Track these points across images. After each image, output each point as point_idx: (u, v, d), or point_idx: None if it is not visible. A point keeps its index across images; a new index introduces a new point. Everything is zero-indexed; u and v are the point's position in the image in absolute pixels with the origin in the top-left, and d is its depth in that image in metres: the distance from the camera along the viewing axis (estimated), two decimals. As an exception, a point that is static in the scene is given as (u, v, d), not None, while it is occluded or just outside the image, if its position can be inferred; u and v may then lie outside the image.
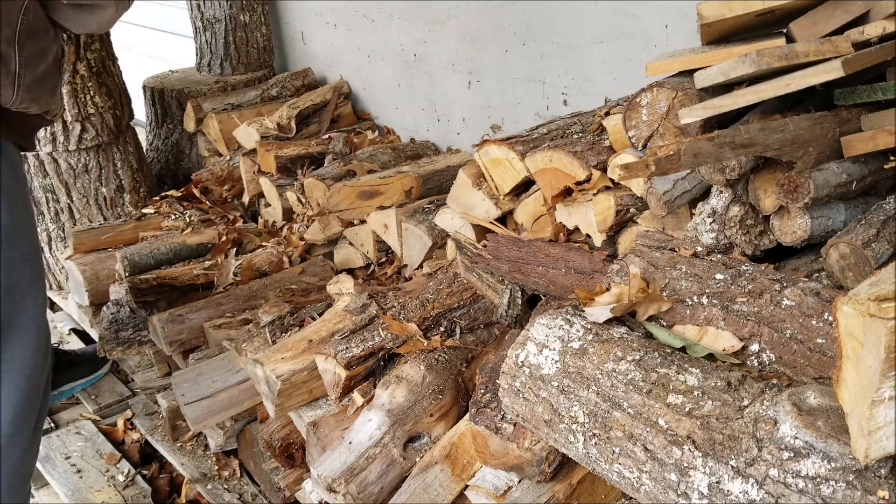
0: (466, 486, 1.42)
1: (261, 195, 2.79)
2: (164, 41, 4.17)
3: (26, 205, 1.64)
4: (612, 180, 1.62)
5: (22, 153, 1.66)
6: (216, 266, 2.39)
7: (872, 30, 1.28)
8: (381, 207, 2.28)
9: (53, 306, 3.00)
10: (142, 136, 3.24)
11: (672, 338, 1.20)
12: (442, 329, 1.74)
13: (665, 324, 1.25)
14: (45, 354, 1.70)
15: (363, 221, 2.34)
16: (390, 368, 1.66)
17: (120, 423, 2.42)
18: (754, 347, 1.15)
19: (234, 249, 2.47)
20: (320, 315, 1.87)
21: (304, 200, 2.52)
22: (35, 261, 1.67)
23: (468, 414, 1.40)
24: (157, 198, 2.87)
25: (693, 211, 1.48)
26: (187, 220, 2.67)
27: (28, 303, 1.63)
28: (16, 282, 1.58)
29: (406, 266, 2.22)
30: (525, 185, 1.84)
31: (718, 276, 1.24)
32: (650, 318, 1.26)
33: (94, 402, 2.50)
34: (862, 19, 1.31)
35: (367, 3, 3.06)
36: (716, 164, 1.30)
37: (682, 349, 1.17)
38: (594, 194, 1.63)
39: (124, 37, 4.29)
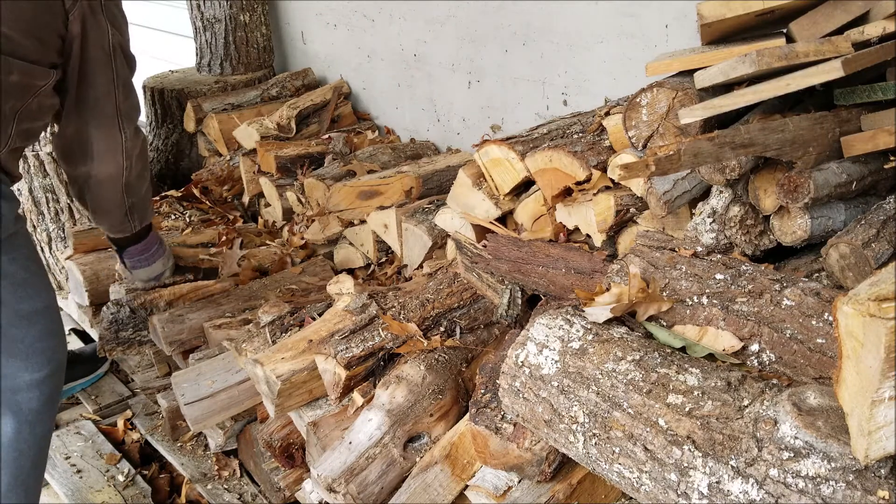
0: (466, 486, 1.42)
1: (261, 195, 2.79)
2: (164, 41, 4.17)
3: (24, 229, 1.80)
4: (612, 180, 1.62)
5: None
6: (221, 255, 2.40)
7: (872, 30, 1.28)
8: (381, 207, 2.28)
9: (53, 306, 3.01)
10: (142, 136, 3.24)
11: (672, 338, 1.20)
12: (442, 329, 1.74)
13: (665, 324, 1.25)
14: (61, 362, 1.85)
15: (363, 221, 2.34)
16: (390, 368, 1.66)
17: (120, 423, 2.42)
18: (754, 347, 1.15)
19: (240, 240, 2.48)
20: (320, 315, 1.87)
21: (303, 200, 2.52)
22: (43, 276, 1.79)
23: (468, 414, 1.40)
24: (157, 198, 2.87)
25: (693, 211, 1.48)
26: (187, 220, 2.67)
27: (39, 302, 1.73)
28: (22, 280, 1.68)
29: (406, 266, 2.22)
30: (525, 185, 1.84)
31: (718, 276, 1.24)
32: (650, 318, 1.26)
33: (94, 402, 2.50)
34: (862, 19, 1.32)
35: (367, 3, 3.06)
36: (716, 164, 1.30)
37: (682, 349, 1.17)
38: (594, 194, 1.63)
39: (124, 37, 4.29)
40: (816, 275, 1.29)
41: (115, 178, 1.88)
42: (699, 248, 1.34)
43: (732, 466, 0.94)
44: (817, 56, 1.23)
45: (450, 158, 2.61)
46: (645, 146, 1.47)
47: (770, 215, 1.34)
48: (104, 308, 2.24)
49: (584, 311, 1.25)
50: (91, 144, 1.81)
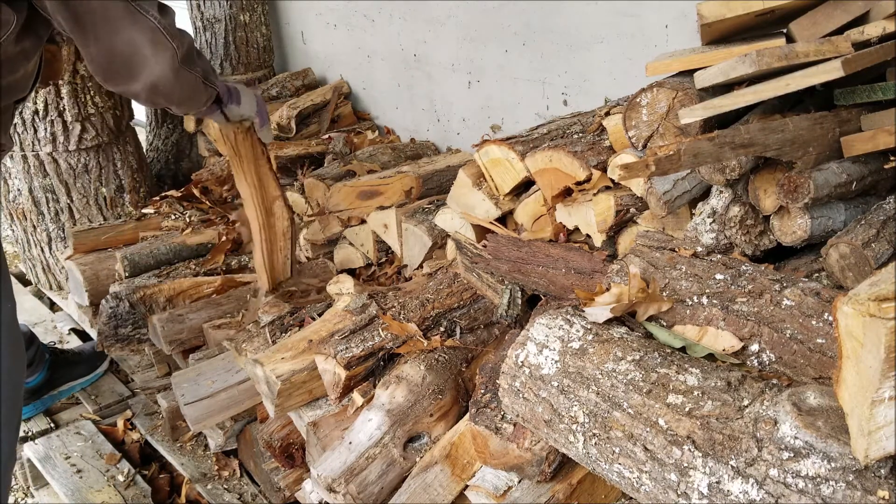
0: (466, 486, 1.42)
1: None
2: (164, 41, 4.17)
3: None
4: (612, 180, 1.62)
5: None
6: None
7: (872, 30, 1.28)
8: (381, 207, 2.28)
9: (53, 306, 3.01)
10: (142, 136, 3.24)
11: (672, 338, 1.20)
12: (442, 329, 1.74)
13: (665, 324, 1.25)
14: (19, 357, 1.71)
15: (363, 221, 2.33)
16: (390, 368, 1.66)
17: (120, 423, 2.42)
18: (754, 347, 1.15)
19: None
20: (320, 315, 1.87)
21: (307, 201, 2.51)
22: None
23: (468, 414, 1.40)
24: (157, 198, 2.87)
25: (693, 211, 1.48)
26: (187, 220, 2.67)
27: None
28: None
29: (406, 266, 2.22)
30: (525, 185, 1.84)
31: (718, 276, 1.24)
32: (650, 318, 1.26)
33: (94, 402, 2.50)
34: (862, 19, 1.31)
35: (367, 3, 3.06)
36: (716, 164, 1.30)
37: (682, 349, 1.17)
38: (594, 194, 1.63)
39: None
40: (816, 275, 1.29)
41: (173, 65, 1.59)
42: (699, 248, 1.34)
43: (732, 466, 0.94)
44: (817, 56, 1.23)
45: (450, 158, 2.61)
46: (645, 146, 1.47)
47: (770, 215, 1.33)
48: (103, 301, 2.23)
49: (584, 311, 1.25)
50: (127, 53, 1.54)
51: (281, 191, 2.15)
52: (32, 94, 2.24)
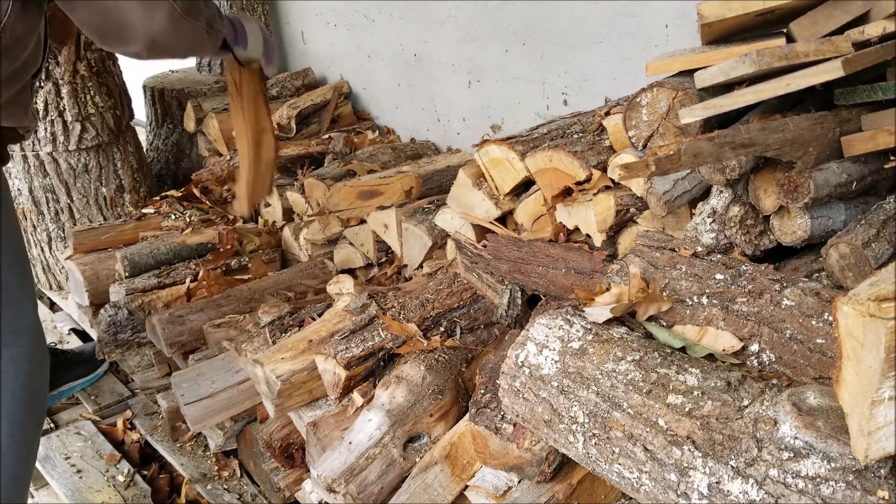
0: (466, 486, 1.42)
1: (261, 195, 2.78)
2: (164, 41, 4.17)
3: (9, 212, 1.62)
4: (612, 180, 1.62)
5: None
6: None
7: (872, 29, 1.28)
8: (381, 207, 2.28)
9: (53, 306, 3.01)
10: (142, 136, 3.24)
11: (672, 338, 1.20)
12: (442, 329, 1.74)
13: (665, 324, 1.25)
14: (40, 360, 1.70)
15: (363, 221, 2.33)
16: (390, 368, 1.66)
17: (120, 424, 2.42)
18: (754, 347, 1.15)
19: None
20: (320, 315, 1.87)
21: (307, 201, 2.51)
22: (21, 267, 1.66)
23: (468, 414, 1.40)
24: (157, 198, 2.87)
25: (693, 211, 1.48)
26: (187, 220, 2.67)
27: (16, 309, 1.61)
28: (2, 288, 1.57)
29: (406, 266, 2.21)
30: (525, 185, 1.84)
31: (718, 276, 1.24)
32: (650, 318, 1.26)
33: (94, 402, 2.50)
34: (862, 19, 1.32)
35: (367, 3, 3.06)
36: (716, 164, 1.30)
37: (682, 349, 1.17)
38: (594, 194, 1.63)
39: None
40: (816, 275, 1.29)
41: (172, 17, 1.49)
42: (699, 248, 1.34)
43: (732, 467, 0.94)
44: (817, 56, 1.23)
45: (450, 158, 2.61)
46: (645, 146, 1.47)
47: (770, 215, 1.33)
48: (102, 310, 2.24)
49: (584, 311, 1.25)
50: (117, 17, 1.45)
51: (270, 123, 2.14)
52: (37, 88, 2.22)
